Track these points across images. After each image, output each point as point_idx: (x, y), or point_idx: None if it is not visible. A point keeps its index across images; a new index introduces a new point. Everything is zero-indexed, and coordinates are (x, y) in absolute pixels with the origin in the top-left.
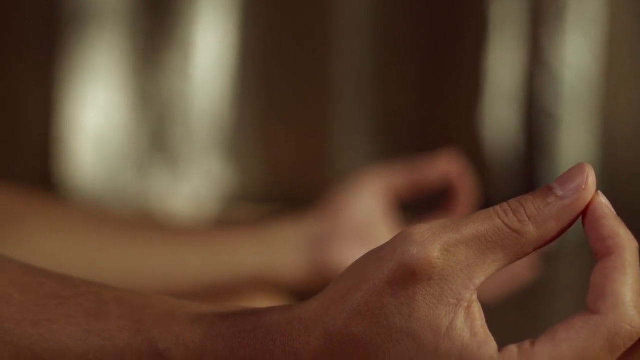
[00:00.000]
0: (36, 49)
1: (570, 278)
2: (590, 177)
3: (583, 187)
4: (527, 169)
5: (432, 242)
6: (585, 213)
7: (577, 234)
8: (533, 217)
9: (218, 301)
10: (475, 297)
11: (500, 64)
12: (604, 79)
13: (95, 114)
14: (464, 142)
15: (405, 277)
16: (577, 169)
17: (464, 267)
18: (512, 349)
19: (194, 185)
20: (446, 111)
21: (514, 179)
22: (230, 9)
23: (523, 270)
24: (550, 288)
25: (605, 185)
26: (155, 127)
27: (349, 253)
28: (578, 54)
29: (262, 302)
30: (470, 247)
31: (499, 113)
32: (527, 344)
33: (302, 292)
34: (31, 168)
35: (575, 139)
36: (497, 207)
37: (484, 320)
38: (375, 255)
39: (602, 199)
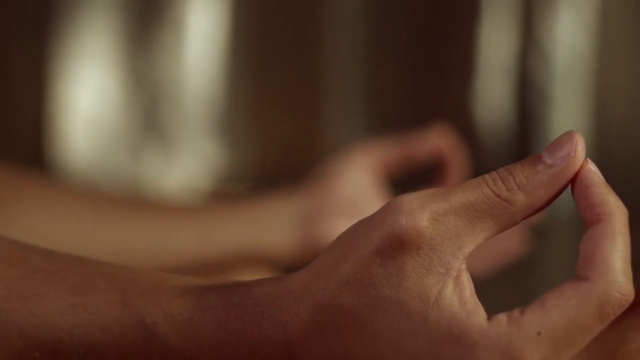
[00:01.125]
0: (28, 29)
1: (560, 253)
2: (580, 145)
3: (572, 154)
4: (520, 146)
5: (421, 211)
6: (574, 181)
7: (568, 208)
8: (522, 185)
9: (209, 277)
10: (464, 266)
11: (492, 41)
12: (596, 56)
13: (87, 95)
14: (456, 119)
15: (394, 246)
16: (566, 137)
17: (453, 236)
18: (502, 317)
19: (186, 165)
20: (439, 88)
21: (506, 156)
22: None
23: (513, 245)
24: (540, 263)
25: (598, 161)
26: (148, 108)
27: (339, 228)
28: (570, 31)
29: (253, 277)
30: (459, 216)
31: (492, 90)
32: (516, 312)
33: (293, 268)
34: (23, 148)
35: (567, 116)
36: (486, 176)
37: (473, 289)
38: (363, 225)
39: (592, 167)
